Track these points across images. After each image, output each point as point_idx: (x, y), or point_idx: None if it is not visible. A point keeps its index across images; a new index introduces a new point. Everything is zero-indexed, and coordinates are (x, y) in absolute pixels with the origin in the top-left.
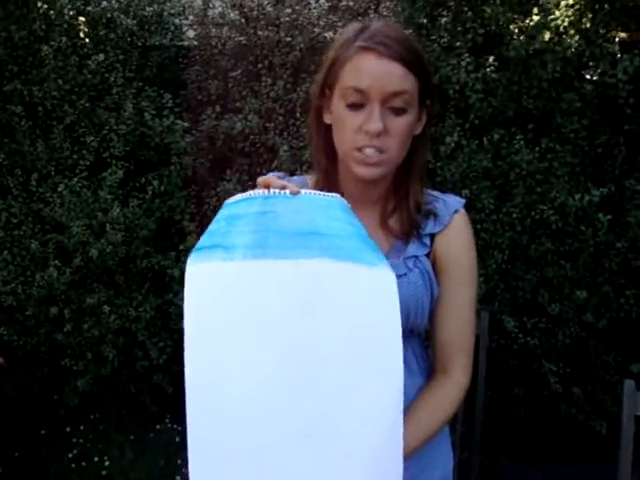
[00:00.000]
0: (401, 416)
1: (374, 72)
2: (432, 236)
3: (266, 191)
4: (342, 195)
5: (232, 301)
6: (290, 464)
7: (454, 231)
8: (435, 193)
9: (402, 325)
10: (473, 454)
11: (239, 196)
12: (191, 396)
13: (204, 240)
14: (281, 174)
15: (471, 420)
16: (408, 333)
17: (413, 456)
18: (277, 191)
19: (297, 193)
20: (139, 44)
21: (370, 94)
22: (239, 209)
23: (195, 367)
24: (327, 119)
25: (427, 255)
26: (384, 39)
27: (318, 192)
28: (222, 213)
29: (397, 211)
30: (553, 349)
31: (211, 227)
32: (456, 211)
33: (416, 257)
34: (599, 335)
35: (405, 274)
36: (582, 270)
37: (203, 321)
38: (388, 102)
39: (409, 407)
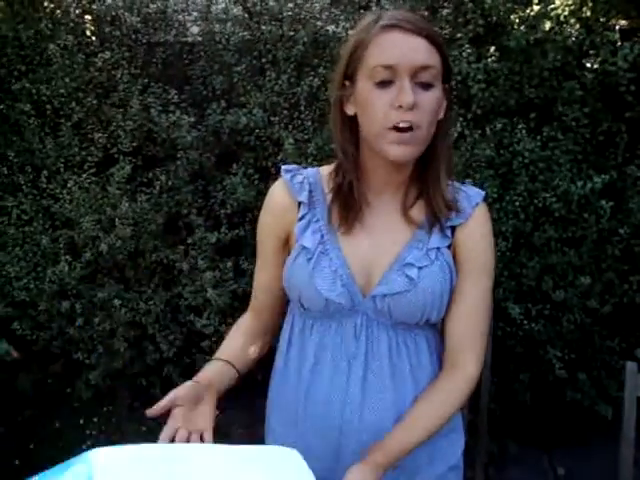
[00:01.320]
0: None
1: (401, 47)
2: (453, 228)
3: None
4: (361, 181)
5: None
6: None
7: (475, 224)
8: (456, 184)
9: (419, 315)
10: (480, 440)
11: None
12: None
13: None
14: (295, 167)
15: (477, 407)
16: (423, 324)
17: (426, 444)
18: None
19: None
20: (144, 41)
21: (399, 69)
22: None
23: None
24: (349, 110)
25: (448, 247)
26: (406, 17)
27: None
28: None
29: (420, 200)
30: (558, 335)
31: None
32: (477, 204)
33: (438, 249)
34: (603, 321)
35: (427, 265)
36: (586, 257)
37: None
38: (416, 77)
39: (419, 399)
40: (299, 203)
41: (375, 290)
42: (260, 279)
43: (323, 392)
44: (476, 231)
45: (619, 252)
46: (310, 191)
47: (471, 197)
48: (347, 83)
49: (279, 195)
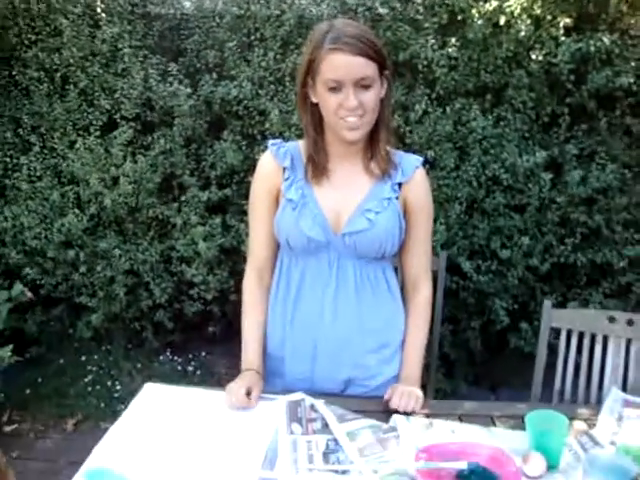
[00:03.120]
0: None
1: (345, 66)
2: (399, 184)
3: None
4: (326, 151)
5: None
6: None
7: (418, 182)
8: (400, 152)
9: (377, 248)
10: (431, 379)
11: None
12: None
13: None
14: (278, 141)
15: (429, 350)
16: (380, 257)
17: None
18: None
19: None
20: (142, 13)
21: (344, 81)
22: None
23: None
24: (313, 98)
25: (397, 198)
26: (346, 39)
27: None
28: None
29: (375, 156)
30: (504, 288)
31: None
32: (417, 167)
33: (389, 199)
34: (543, 277)
35: (381, 211)
36: (529, 221)
37: None
38: (358, 83)
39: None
40: (284, 168)
41: (344, 229)
42: (258, 236)
43: (305, 310)
44: (420, 188)
45: (557, 218)
46: (291, 159)
47: (412, 161)
48: (310, 82)
49: (268, 162)
